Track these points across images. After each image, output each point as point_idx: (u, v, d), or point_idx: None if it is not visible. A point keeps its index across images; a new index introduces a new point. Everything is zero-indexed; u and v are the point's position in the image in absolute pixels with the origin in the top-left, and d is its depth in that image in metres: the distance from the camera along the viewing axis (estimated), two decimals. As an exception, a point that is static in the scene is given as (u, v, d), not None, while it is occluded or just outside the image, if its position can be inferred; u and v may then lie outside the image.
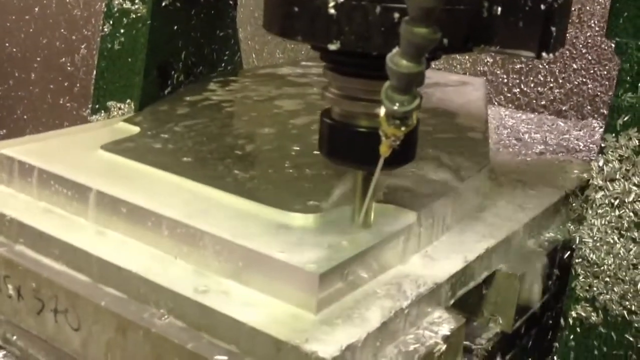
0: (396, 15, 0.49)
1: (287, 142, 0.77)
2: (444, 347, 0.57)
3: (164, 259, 0.60)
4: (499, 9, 0.55)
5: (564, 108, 1.36)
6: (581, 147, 0.98)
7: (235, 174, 0.68)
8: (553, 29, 0.57)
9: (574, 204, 0.82)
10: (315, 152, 0.75)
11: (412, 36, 0.44)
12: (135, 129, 0.79)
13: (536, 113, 1.27)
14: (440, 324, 0.59)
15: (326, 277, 0.53)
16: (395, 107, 0.47)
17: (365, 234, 0.59)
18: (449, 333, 0.58)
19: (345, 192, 0.64)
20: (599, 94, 1.34)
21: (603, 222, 0.69)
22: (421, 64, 0.45)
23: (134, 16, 0.98)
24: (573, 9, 1.32)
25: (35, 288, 0.62)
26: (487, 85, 1.44)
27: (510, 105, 1.43)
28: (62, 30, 1.77)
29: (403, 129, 0.49)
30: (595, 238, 0.70)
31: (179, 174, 0.67)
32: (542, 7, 0.56)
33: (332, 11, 0.51)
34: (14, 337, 0.66)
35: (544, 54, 0.58)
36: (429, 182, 0.69)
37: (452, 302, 0.62)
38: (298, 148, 0.76)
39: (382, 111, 0.49)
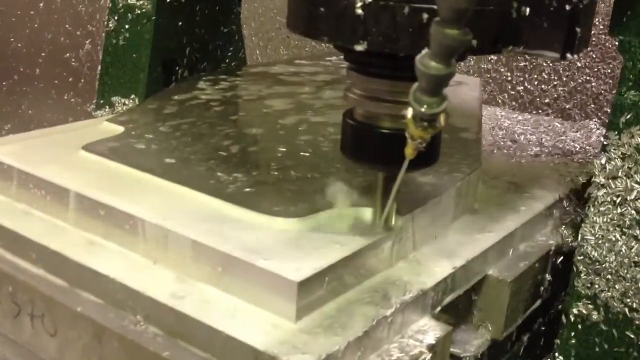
0: (425, 15, 0.49)
1: (273, 143, 0.76)
2: (429, 356, 0.55)
3: (142, 264, 0.58)
4: (527, 9, 0.54)
5: (567, 106, 1.35)
6: (577, 149, 0.97)
7: (218, 176, 0.66)
8: (578, 29, 0.57)
9: (568, 208, 0.80)
10: (302, 153, 0.74)
11: (444, 37, 0.43)
12: (120, 129, 0.78)
13: (533, 113, 1.25)
14: (426, 332, 0.57)
15: (306, 284, 0.51)
16: (424, 109, 0.47)
17: (349, 238, 0.57)
18: (434, 342, 0.56)
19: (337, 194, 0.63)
20: (602, 92, 1.33)
21: (605, 220, 0.69)
22: (451, 65, 0.44)
23: (138, 12, 0.98)
24: (577, 7, 1.31)
25: (12, 292, 0.60)
26: (491, 83, 1.42)
27: (513, 103, 1.42)
28: (67, 25, 1.77)
29: (430, 131, 0.48)
30: (597, 235, 0.70)
31: (161, 175, 0.65)
32: (567, 7, 0.55)
33: (359, 11, 0.50)
34: (-9, 342, 0.65)
35: (568, 54, 0.57)
36: (418, 185, 0.68)
37: (439, 309, 0.61)
38: (284, 149, 0.74)
39: (409, 113, 0.48)
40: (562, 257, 0.75)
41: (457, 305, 0.65)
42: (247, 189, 0.64)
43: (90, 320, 0.55)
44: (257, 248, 0.55)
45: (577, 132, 1.04)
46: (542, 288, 0.74)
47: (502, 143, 0.97)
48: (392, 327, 0.55)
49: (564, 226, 0.78)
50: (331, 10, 0.52)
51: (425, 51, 0.44)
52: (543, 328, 0.78)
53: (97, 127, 0.79)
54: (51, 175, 0.65)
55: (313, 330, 0.51)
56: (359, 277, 0.57)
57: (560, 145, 0.98)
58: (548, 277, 0.74)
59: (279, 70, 1.11)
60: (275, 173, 0.68)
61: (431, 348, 0.55)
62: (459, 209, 0.71)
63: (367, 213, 0.61)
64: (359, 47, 0.51)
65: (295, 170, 0.69)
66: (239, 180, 0.66)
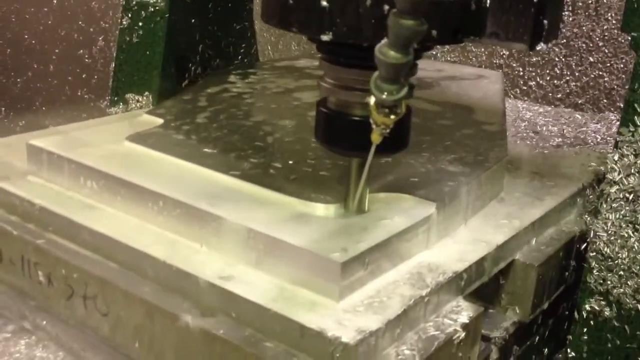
0: (386, 7, 0.51)
1: (306, 134, 0.79)
2: (463, 334, 0.58)
3: (189, 247, 0.61)
4: (488, 1, 0.57)
5: (580, 101, 1.36)
6: (598, 140, 0.99)
7: (257, 164, 0.69)
8: (545, 21, 0.59)
9: (590, 196, 0.82)
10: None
11: (400, 28, 0.45)
12: (159, 121, 0.81)
13: (553, 106, 1.27)
14: (459, 312, 0.60)
15: (348, 265, 0.54)
16: (384, 96, 0.49)
17: (386, 223, 0.60)
18: (467, 321, 0.59)
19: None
20: (615, 87, 1.33)
21: (617, 216, 0.70)
22: (409, 54, 0.47)
23: (152, 9, 0.99)
24: (590, 1, 1.32)
25: (66, 275, 0.64)
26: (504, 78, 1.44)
27: (525, 98, 1.43)
28: (80, 22, 1.78)
29: (392, 117, 0.51)
30: (609, 232, 0.70)
31: (203, 164, 0.69)
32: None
33: (324, 3, 0.53)
34: (44, 322, 0.68)
35: (538, 45, 0.59)
36: (448, 174, 0.71)
37: (470, 290, 0.64)
38: (318, 140, 0.77)
39: (371, 100, 0.50)
40: (585, 244, 0.77)
41: (485, 288, 0.67)
42: (287, 177, 0.67)
43: (143, 300, 0.59)
44: (301, 232, 0.58)
45: (597, 123, 1.07)
46: (566, 273, 0.76)
47: (524, 134, 1.00)
48: (427, 307, 0.58)
49: (587, 214, 0.80)
50: (300, 3, 0.55)
51: (384, 41, 0.47)
52: (567, 312, 0.81)
53: (136, 119, 0.83)
54: (100, 164, 0.68)
55: (355, 309, 0.54)
56: (395, 260, 0.60)
57: (582, 136, 1.00)
58: (572, 263, 0.76)
59: (304, 64, 1.14)
60: (312, 162, 0.71)
61: (465, 327, 0.58)
62: (487, 196, 0.74)
63: (403, 199, 0.64)
64: (325, 38, 0.54)
65: (329, 159, 0.72)
66: (278, 169, 0.69)
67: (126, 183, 0.65)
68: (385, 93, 0.49)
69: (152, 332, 0.59)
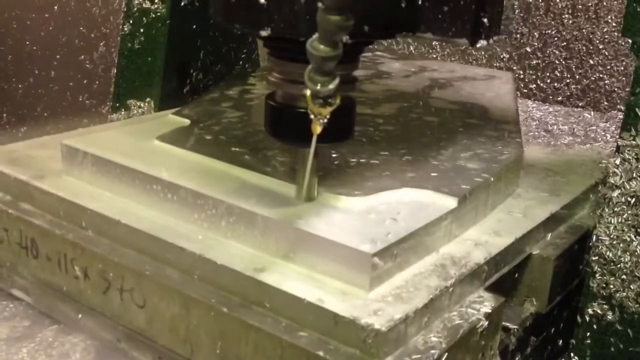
0: (319, 4, 0.53)
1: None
2: (486, 323, 0.61)
3: (223, 242, 0.64)
4: None
5: (580, 104, 1.37)
6: (608, 138, 1.02)
7: (284, 162, 0.72)
8: (484, 19, 0.62)
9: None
10: (356, 142, 0.79)
11: (327, 23, 0.49)
12: (185, 121, 0.83)
13: (562, 105, 1.30)
14: (482, 303, 0.63)
15: (378, 257, 0.57)
16: (318, 88, 0.52)
17: (411, 216, 0.63)
18: (490, 311, 0.62)
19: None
20: (615, 89, 1.35)
21: (619, 220, 0.71)
22: (338, 48, 0.50)
23: (153, 16, 1.01)
24: (590, 4, 1.34)
25: (102, 269, 0.66)
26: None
27: (527, 100, 1.45)
28: (81, 28, 1.79)
29: (328, 108, 0.54)
30: (611, 236, 0.72)
31: (232, 162, 0.71)
32: None
33: (262, 0, 0.56)
34: (80, 316, 0.71)
35: (478, 42, 0.62)
36: (467, 170, 0.73)
37: (491, 282, 0.66)
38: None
39: (307, 92, 0.54)
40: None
41: (504, 280, 0.70)
42: None
43: (179, 291, 0.61)
44: (330, 225, 0.60)
45: (606, 122, 1.09)
46: (580, 266, 0.79)
47: (536, 133, 1.02)
48: (452, 297, 0.61)
49: (599, 209, 0.82)
50: (241, 1, 0.59)
51: (315, 36, 0.50)
52: (580, 305, 0.83)
53: (162, 120, 0.85)
54: (133, 162, 0.70)
55: (385, 299, 0.57)
56: (421, 252, 0.63)
57: (592, 135, 1.03)
58: (586, 256, 0.79)
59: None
60: (335, 156, 0.74)
61: (487, 316, 0.61)
62: (504, 192, 0.76)
63: (425, 194, 0.67)
64: (264, 33, 0.57)
65: (352, 157, 0.74)
66: (304, 166, 0.71)
67: (158, 180, 0.68)
68: (319, 84, 0.52)
69: (188, 323, 0.61)
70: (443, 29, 0.62)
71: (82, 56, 1.80)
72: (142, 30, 1.02)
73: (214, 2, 0.63)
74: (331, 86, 0.52)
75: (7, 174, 0.76)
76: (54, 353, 0.68)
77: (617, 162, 0.70)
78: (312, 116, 0.55)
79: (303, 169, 0.63)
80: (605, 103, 1.36)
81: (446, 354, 0.56)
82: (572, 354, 0.76)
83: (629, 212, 0.71)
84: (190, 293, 0.61)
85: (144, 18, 1.02)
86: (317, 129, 0.56)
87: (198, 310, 0.60)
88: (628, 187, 0.70)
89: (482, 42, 0.63)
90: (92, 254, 0.67)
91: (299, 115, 0.59)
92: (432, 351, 0.55)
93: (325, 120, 0.55)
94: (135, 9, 1.02)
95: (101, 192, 0.72)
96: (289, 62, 0.61)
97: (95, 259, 0.67)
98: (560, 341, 0.81)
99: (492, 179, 0.72)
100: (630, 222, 0.71)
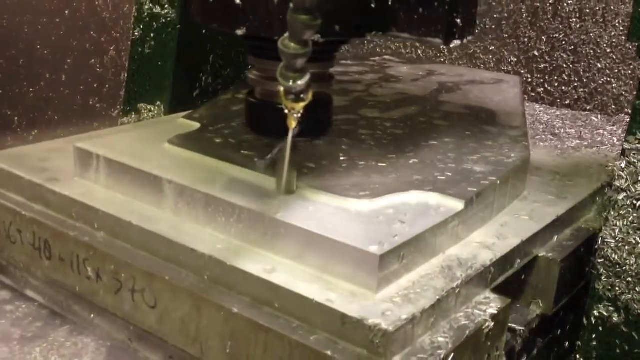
0: (292, 5, 0.55)
1: (337, 137, 0.82)
2: (492, 324, 0.61)
3: (233, 243, 0.65)
4: (390, 1, 0.63)
5: (588, 107, 1.37)
6: (615, 142, 1.02)
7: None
8: (458, 20, 0.64)
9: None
10: (364, 146, 0.80)
11: (296, 22, 0.51)
12: (195, 125, 0.85)
13: (569, 109, 1.30)
14: (488, 304, 0.64)
15: (385, 258, 0.58)
16: (290, 84, 0.55)
17: (418, 219, 0.64)
18: (496, 312, 0.62)
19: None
20: (623, 93, 1.35)
21: (625, 223, 0.72)
22: (307, 46, 0.53)
23: (163, 21, 1.02)
24: (597, 8, 1.34)
25: (114, 270, 0.68)
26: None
27: (535, 104, 1.45)
28: (92, 32, 1.80)
29: (300, 103, 0.57)
30: (617, 239, 0.72)
31: (242, 165, 0.72)
32: None
33: (238, 1, 0.59)
34: (92, 316, 0.72)
35: (451, 42, 0.65)
36: (474, 173, 0.74)
37: (497, 284, 0.67)
38: (349, 142, 0.81)
39: (281, 88, 0.57)
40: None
41: (510, 282, 0.71)
42: (322, 176, 0.70)
43: (190, 292, 0.62)
44: (339, 227, 0.61)
45: (613, 125, 1.10)
46: (587, 269, 0.79)
47: (543, 136, 1.03)
48: (458, 299, 0.61)
49: (606, 212, 0.83)
50: (218, 1, 0.61)
51: (285, 34, 0.52)
52: (586, 307, 0.84)
53: (173, 124, 0.86)
54: (145, 165, 0.72)
55: (392, 299, 0.57)
56: (428, 254, 0.63)
57: (599, 139, 1.03)
58: (592, 259, 0.79)
59: (328, 70, 1.17)
60: (343, 159, 0.75)
61: (494, 317, 0.62)
62: (511, 195, 0.77)
63: (432, 197, 0.68)
64: (240, 32, 0.60)
65: (360, 160, 0.75)
66: (312, 169, 0.72)
67: (169, 183, 0.69)
68: (291, 81, 0.55)
69: (199, 323, 0.62)
70: (417, 29, 0.65)
71: (93, 60, 1.82)
72: (152, 35, 1.03)
73: (193, 2, 0.66)
74: (301, 82, 0.55)
75: (21, 176, 0.77)
76: (67, 353, 0.69)
77: (623, 165, 0.71)
78: (286, 111, 0.58)
79: (282, 163, 0.66)
80: (613, 106, 1.36)
81: (452, 354, 0.57)
82: (578, 356, 0.77)
83: (635, 214, 0.71)
84: (200, 294, 0.62)
85: (154, 23, 1.03)
86: (292, 123, 0.59)
87: (208, 311, 0.61)
88: (633, 190, 0.71)
89: (456, 42, 0.65)
90: (105, 255, 0.68)
91: (275, 110, 0.61)
92: (439, 351, 0.56)
93: (299, 115, 0.58)
94: (146, 14, 1.04)
95: (113, 194, 0.73)
96: (266, 60, 0.63)
97: (107, 260, 0.68)
98: (567, 343, 0.82)
99: (498, 182, 0.73)
100: (635, 224, 0.71)
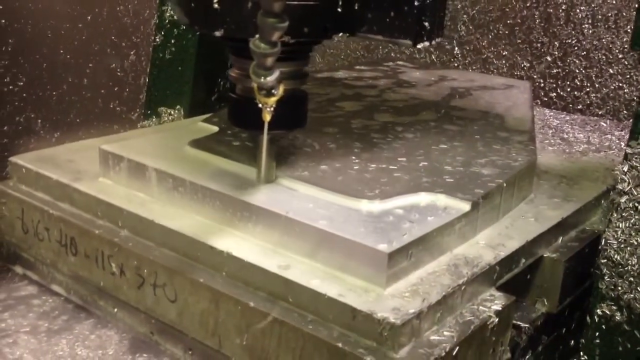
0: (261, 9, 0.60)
1: (350, 141, 0.86)
2: (496, 320, 0.64)
3: (247, 241, 0.68)
4: (356, 4, 0.68)
5: (600, 112, 1.38)
6: (622, 147, 1.04)
7: (308, 167, 0.76)
8: (426, 23, 0.68)
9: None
10: (375, 149, 0.83)
11: (264, 24, 0.56)
12: (214, 128, 0.88)
13: (579, 114, 1.32)
14: (493, 301, 0.66)
15: (394, 256, 0.61)
16: (261, 80, 0.60)
17: (426, 218, 0.67)
18: (500, 309, 0.65)
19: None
20: (635, 98, 1.35)
21: (627, 225, 0.74)
22: (276, 46, 0.57)
23: (183, 27, 1.04)
24: (610, 14, 1.36)
25: (137, 266, 0.71)
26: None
27: (546, 109, 1.47)
28: (113, 37, 1.84)
29: (272, 98, 0.63)
30: (619, 240, 0.74)
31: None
32: (417, 3, 0.67)
33: (216, 5, 0.64)
34: (115, 310, 0.76)
35: (420, 43, 0.69)
36: (482, 175, 0.77)
37: (502, 282, 0.70)
38: (361, 146, 0.84)
39: (254, 85, 0.62)
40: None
41: (516, 281, 0.73)
42: (335, 177, 0.74)
43: (209, 287, 0.66)
44: (350, 226, 0.64)
45: (622, 130, 1.12)
46: (591, 269, 0.82)
47: (552, 141, 1.05)
48: (464, 295, 0.64)
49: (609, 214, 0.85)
50: (199, 4, 0.66)
51: (257, 35, 0.57)
52: (590, 306, 0.86)
53: (193, 127, 0.90)
54: (168, 167, 0.75)
55: (400, 295, 0.60)
56: (435, 253, 0.66)
57: (607, 143, 1.06)
58: (596, 259, 0.82)
59: (342, 75, 1.21)
60: (355, 161, 0.78)
61: (498, 314, 0.65)
62: (518, 197, 0.80)
63: (440, 198, 0.71)
64: (218, 33, 0.65)
65: (372, 163, 0.78)
66: (326, 171, 0.76)
67: (190, 184, 0.72)
68: (262, 77, 0.59)
69: (217, 316, 0.66)
70: (387, 31, 0.69)
71: (113, 64, 1.85)
72: (172, 41, 1.06)
73: (177, 6, 0.71)
74: (270, 78, 0.59)
75: (49, 176, 0.81)
76: (91, 345, 0.73)
77: (625, 169, 0.73)
78: (260, 106, 0.63)
79: (260, 154, 0.71)
80: (625, 112, 1.37)
81: (457, 347, 0.59)
82: (581, 353, 0.79)
83: (636, 217, 0.73)
84: (219, 288, 0.65)
85: (175, 29, 1.06)
86: (267, 116, 0.65)
87: (226, 305, 0.65)
88: (635, 193, 0.73)
89: (424, 44, 0.68)
90: (128, 252, 0.72)
91: (252, 105, 0.65)
92: (445, 344, 0.59)
93: (272, 109, 0.63)
94: (167, 21, 1.07)
95: (136, 194, 0.77)
96: (243, 59, 0.68)
97: (130, 257, 0.72)
98: (572, 341, 0.84)
99: (504, 185, 0.76)
100: (637, 226, 0.73)
